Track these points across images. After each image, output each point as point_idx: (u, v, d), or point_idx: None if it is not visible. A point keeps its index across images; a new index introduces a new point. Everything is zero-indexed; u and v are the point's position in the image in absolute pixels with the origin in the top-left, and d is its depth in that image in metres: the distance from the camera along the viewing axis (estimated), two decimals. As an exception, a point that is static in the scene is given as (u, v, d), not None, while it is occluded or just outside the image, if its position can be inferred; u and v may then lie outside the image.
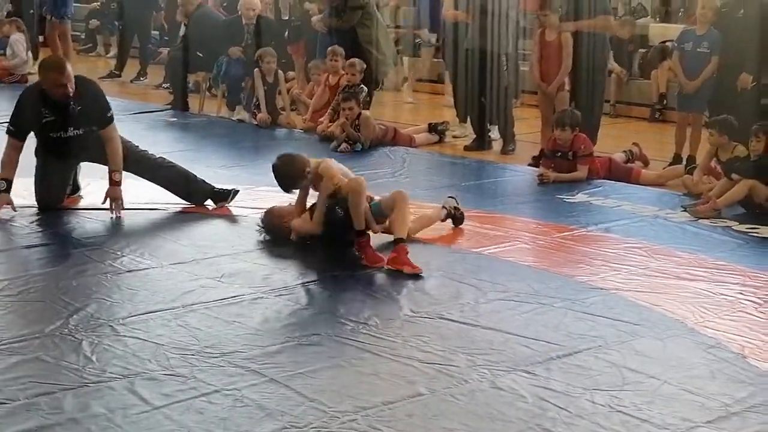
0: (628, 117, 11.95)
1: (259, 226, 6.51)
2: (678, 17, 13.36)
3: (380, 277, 5.77)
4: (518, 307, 5.26)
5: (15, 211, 6.90)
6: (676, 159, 9.05)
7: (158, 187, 7.31)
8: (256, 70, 10.74)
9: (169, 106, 11.93)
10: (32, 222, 6.80)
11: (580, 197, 7.77)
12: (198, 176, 7.39)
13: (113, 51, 16.26)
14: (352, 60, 10.32)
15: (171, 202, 7.27)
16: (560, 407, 4.08)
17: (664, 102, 11.54)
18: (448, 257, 6.21)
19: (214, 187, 7.33)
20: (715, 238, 6.70)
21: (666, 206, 7.50)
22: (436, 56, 13.36)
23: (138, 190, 7.28)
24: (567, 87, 9.27)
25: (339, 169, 6.35)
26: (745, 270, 5.97)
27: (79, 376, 4.28)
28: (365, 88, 10.26)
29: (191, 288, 5.47)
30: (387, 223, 6.29)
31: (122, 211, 6.97)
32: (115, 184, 6.99)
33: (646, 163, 9.02)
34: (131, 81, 14.25)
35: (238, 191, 7.35)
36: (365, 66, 10.39)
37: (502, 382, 4.32)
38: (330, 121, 10.12)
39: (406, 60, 13.54)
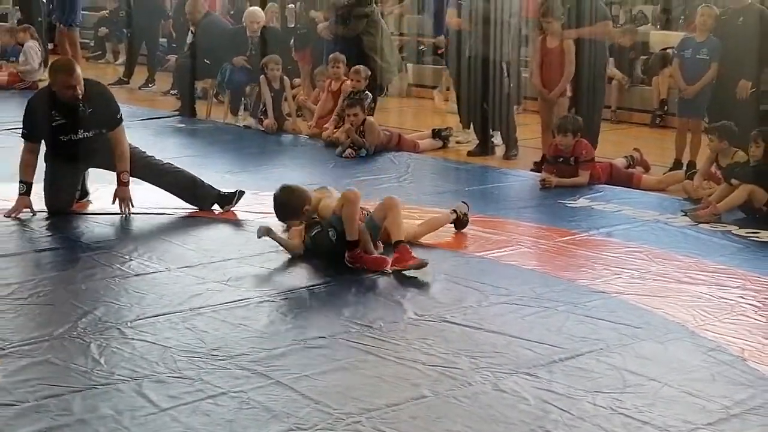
0: (630, 123, 11.94)
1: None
2: (678, 25, 13.35)
3: (384, 282, 5.75)
4: (521, 311, 5.26)
5: (34, 214, 6.93)
6: (677, 164, 9.04)
7: (165, 192, 7.31)
8: (261, 76, 10.75)
9: (177, 113, 11.94)
10: (42, 226, 6.81)
11: (582, 202, 7.76)
12: (204, 181, 7.39)
13: (122, 58, 16.30)
14: (356, 67, 10.33)
15: (178, 206, 7.28)
16: (562, 409, 4.07)
17: (665, 108, 11.54)
18: (452, 261, 6.20)
19: (220, 192, 7.33)
20: (715, 242, 6.69)
21: (666, 211, 7.48)
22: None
23: (145, 195, 7.29)
24: (569, 93, 9.27)
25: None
26: (745, 274, 5.95)
27: (88, 378, 4.28)
28: (370, 95, 10.27)
29: (198, 291, 5.47)
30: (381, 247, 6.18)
31: (131, 209, 7.00)
32: (123, 184, 7.02)
33: (647, 169, 9.01)
34: (140, 88, 14.28)
35: (243, 192, 7.35)
36: (370, 73, 10.40)
37: (505, 384, 4.31)
38: (335, 127, 10.13)
39: (410, 66, 13.55)
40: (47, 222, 6.90)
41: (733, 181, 7.36)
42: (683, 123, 9.21)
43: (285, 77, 10.93)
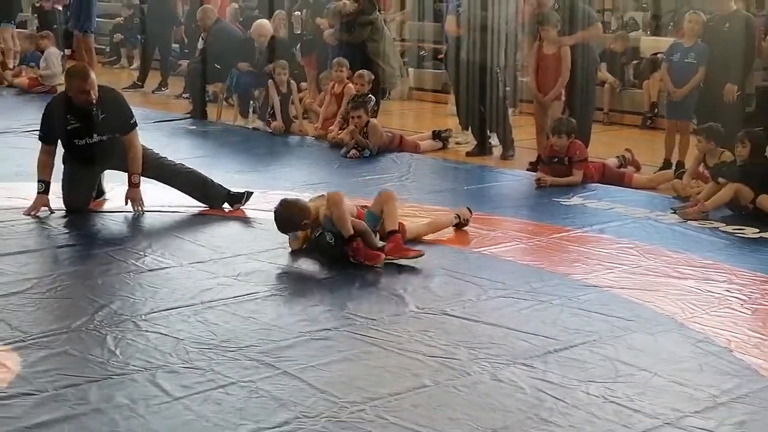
0: (621, 125, 11.93)
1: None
2: (668, 31, 13.34)
3: (387, 276, 5.75)
4: (517, 304, 5.26)
5: (52, 212, 6.93)
6: (666, 164, 9.04)
7: (177, 191, 7.31)
8: (270, 81, 10.75)
9: (189, 115, 11.93)
10: (60, 224, 6.81)
11: (576, 200, 7.77)
12: (215, 181, 7.39)
13: (136, 63, 16.27)
14: (360, 71, 10.32)
15: (190, 205, 7.28)
16: (557, 398, 4.07)
17: (655, 110, 11.53)
18: (452, 257, 6.19)
19: (229, 191, 7.33)
20: (703, 238, 6.69)
21: (657, 208, 7.48)
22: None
23: (158, 194, 7.29)
24: (563, 97, 9.26)
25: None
26: (732, 268, 5.95)
27: (104, 368, 4.29)
28: (373, 98, 10.26)
29: (209, 286, 5.47)
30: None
31: (143, 208, 7.02)
32: (133, 186, 7.03)
33: (637, 168, 9.01)
34: (153, 91, 14.26)
35: (252, 193, 7.35)
36: (373, 77, 10.40)
37: (502, 374, 4.31)
38: (340, 129, 10.13)
39: (411, 71, 13.54)
40: (65, 220, 6.90)
41: (720, 179, 7.36)
42: (672, 125, 9.20)
43: (292, 81, 10.93)
